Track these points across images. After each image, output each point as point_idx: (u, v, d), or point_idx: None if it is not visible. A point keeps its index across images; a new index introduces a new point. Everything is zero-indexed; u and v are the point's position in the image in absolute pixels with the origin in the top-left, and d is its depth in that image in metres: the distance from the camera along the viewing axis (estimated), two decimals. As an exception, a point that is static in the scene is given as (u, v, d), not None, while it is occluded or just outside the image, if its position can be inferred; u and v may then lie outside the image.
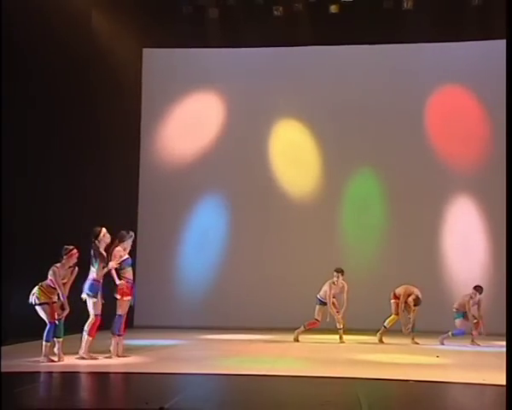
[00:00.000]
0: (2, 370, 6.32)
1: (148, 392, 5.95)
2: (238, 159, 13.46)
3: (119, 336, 7.77)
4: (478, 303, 10.28)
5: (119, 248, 7.83)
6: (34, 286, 7.57)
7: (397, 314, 10.27)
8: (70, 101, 11.40)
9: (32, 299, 7.46)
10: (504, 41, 12.97)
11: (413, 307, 10.20)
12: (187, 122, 13.83)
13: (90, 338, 7.61)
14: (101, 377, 6.65)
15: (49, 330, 7.40)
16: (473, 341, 10.17)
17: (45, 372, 6.76)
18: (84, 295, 7.64)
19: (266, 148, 13.64)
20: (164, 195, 13.44)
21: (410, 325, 10.23)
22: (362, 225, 13.14)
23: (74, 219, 11.03)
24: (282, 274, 12.80)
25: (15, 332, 8.97)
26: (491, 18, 12.41)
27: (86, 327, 7.62)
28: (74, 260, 7.59)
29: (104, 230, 7.78)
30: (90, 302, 7.61)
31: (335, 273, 10.29)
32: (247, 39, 13.12)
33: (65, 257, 7.54)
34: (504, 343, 9.78)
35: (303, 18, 12.88)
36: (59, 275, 7.48)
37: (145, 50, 13.84)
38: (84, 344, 7.60)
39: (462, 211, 13.12)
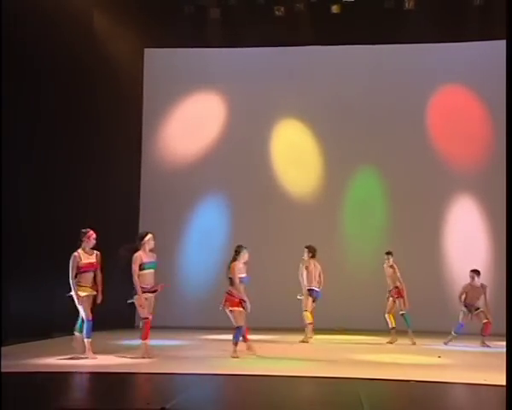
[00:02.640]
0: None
1: (149, 392, 5.96)
2: (239, 159, 13.46)
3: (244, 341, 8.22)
4: (484, 294, 10.04)
5: (236, 263, 8.19)
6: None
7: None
8: (71, 101, 11.40)
9: (74, 293, 7.54)
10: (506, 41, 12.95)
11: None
12: (188, 122, 13.84)
13: (146, 341, 7.74)
14: (102, 378, 6.65)
15: (87, 328, 7.53)
16: (483, 342, 9.95)
17: (45, 373, 6.76)
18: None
19: (267, 148, 13.65)
20: (165, 195, 13.44)
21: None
22: (363, 224, 13.14)
23: (76, 219, 11.00)
24: (283, 274, 12.78)
25: (16, 332, 8.98)
26: (492, 18, 12.40)
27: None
28: (93, 241, 7.69)
29: (150, 235, 7.81)
30: (137, 307, 7.75)
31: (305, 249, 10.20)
32: (248, 39, 13.13)
33: (84, 239, 7.65)
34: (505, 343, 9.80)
35: (304, 18, 12.89)
36: (79, 259, 7.56)
37: (147, 50, 13.85)
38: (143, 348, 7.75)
39: (464, 211, 13.12)
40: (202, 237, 13.48)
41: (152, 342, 8.35)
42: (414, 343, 9.92)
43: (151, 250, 7.82)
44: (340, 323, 10.60)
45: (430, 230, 12.93)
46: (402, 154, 13.15)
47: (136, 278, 7.55)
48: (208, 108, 13.84)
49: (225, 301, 8.10)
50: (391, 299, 10.33)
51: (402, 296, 10.21)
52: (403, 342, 10.10)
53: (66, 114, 11.25)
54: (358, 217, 13.16)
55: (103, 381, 6.51)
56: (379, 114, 13.25)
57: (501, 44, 12.86)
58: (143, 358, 7.62)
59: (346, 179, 13.33)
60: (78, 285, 7.55)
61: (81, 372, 6.79)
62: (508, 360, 4.79)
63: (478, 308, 10.01)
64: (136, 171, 13.59)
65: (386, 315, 10.27)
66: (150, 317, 7.71)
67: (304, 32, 12.93)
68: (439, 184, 13.06)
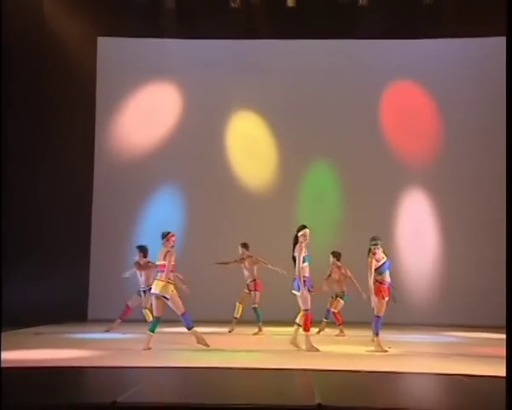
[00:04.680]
0: None
1: (100, 386, 5.91)
2: (195, 150, 13.42)
3: (376, 335, 8.07)
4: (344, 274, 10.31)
5: (375, 251, 8.23)
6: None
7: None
8: (23, 89, 11.14)
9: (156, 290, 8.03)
10: (457, 40, 13.36)
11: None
12: (143, 112, 13.70)
13: (308, 333, 7.88)
14: (53, 372, 6.56)
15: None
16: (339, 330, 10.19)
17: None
18: (293, 292, 7.96)
19: (223, 140, 13.65)
20: (119, 186, 13.29)
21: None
22: (317, 217, 13.24)
23: (27, 212, 10.80)
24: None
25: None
26: (442, 16, 12.71)
27: (299, 321, 7.97)
28: (171, 242, 8.11)
29: (307, 230, 7.97)
30: (298, 298, 7.93)
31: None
32: (203, 31, 13.04)
33: (164, 240, 8.04)
34: (451, 333, 10.12)
35: (259, 11, 12.90)
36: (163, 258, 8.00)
37: (100, 39, 13.61)
38: (305, 339, 7.90)
39: (415, 205, 13.43)
40: (157, 229, 13.30)
41: (105, 335, 8.26)
42: (260, 332, 10.25)
43: None
44: (291, 315, 10.72)
45: (383, 223, 13.16)
46: (356, 148, 13.35)
47: None
48: (163, 98, 13.73)
49: (385, 291, 8.07)
50: (247, 291, 10.58)
51: (258, 290, 10.50)
52: (355, 334, 10.30)
53: (16, 103, 10.98)
54: (312, 210, 13.29)
55: (54, 375, 6.42)
56: (333, 109, 13.40)
57: (452, 43, 13.27)
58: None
59: (300, 172, 13.46)
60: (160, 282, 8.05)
61: (32, 367, 6.67)
62: (508, 357, 4.88)
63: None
64: (89, 161, 13.36)
65: (237, 303, 10.53)
66: None
67: (259, 24, 12.94)
68: (391, 179, 13.32)
